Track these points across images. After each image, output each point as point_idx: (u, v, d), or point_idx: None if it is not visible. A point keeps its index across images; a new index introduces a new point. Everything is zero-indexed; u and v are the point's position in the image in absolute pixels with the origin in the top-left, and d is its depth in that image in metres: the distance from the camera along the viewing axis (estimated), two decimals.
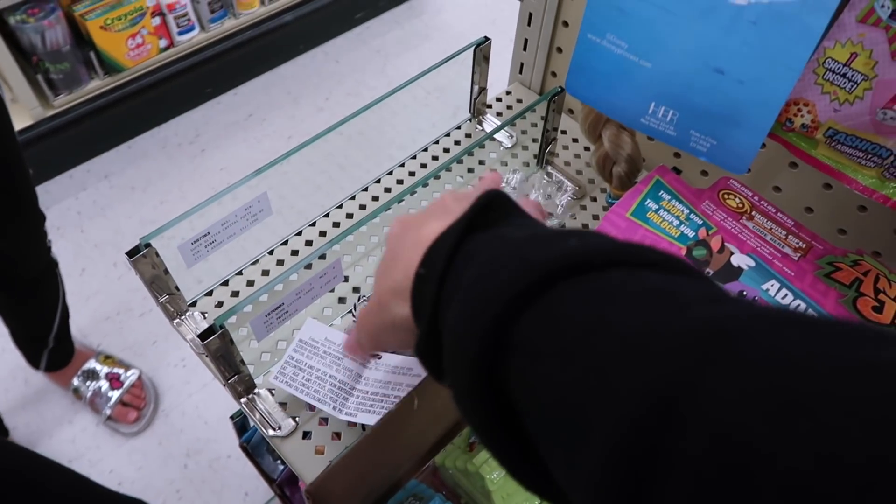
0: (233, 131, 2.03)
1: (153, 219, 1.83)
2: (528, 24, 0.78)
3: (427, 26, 2.37)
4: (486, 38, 0.73)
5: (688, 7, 0.41)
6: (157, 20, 1.84)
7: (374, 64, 2.24)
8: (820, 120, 0.47)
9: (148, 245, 0.53)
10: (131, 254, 0.53)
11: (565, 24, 0.74)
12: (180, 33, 1.91)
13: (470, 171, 0.73)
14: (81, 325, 1.59)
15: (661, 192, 0.49)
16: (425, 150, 0.77)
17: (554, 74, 0.80)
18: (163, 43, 1.89)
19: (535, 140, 0.74)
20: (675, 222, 0.46)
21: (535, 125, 0.72)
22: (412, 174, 0.75)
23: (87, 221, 1.82)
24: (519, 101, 0.83)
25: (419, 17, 2.41)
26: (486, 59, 0.75)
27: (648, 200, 0.48)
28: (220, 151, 1.99)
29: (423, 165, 0.76)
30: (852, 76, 0.44)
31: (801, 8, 0.37)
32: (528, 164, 0.75)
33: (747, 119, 0.42)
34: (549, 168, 0.74)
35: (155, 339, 1.61)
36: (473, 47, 0.73)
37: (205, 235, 0.56)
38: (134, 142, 2.00)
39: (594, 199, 0.72)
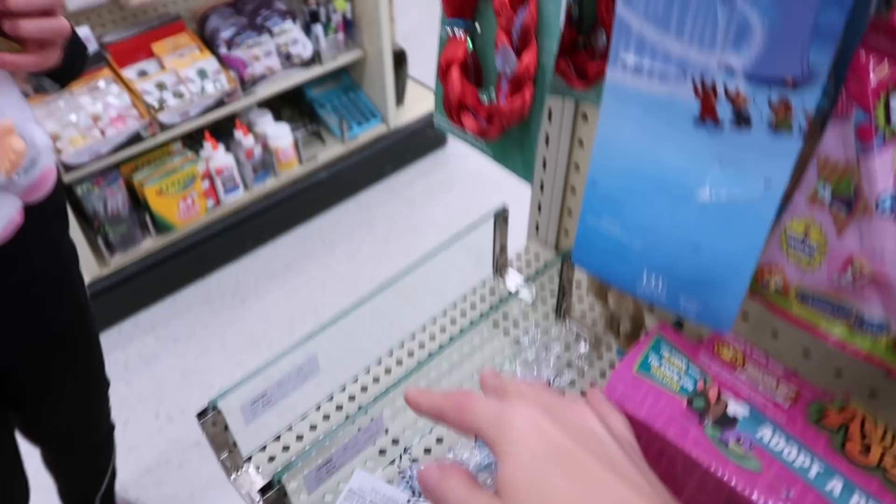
0: (271, 282, 2.17)
1: (195, 369, 1.92)
2: (542, 190, 0.89)
3: (452, 175, 2.56)
4: (505, 208, 0.83)
5: (667, 198, 0.50)
6: (206, 183, 2.03)
7: (403, 213, 2.40)
8: (790, 283, 0.54)
9: (215, 407, 0.60)
10: (201, 415, 0.60)
11: (573, 189, 0.85)
12: (226, 192, 2.10)
13: (494, 325, 0.80)
14: (123, 479, 1.64)
15: (663, 347, 0.55)
16: (454, 307, 0.86)
17: (566, 233, 0.89)
18: (210, 203, 2.07)
19: (552, 294, 0.82)
20: (676, 377, 0.53)
21: (551, 280, 0.80)
22: (443, 330, 0.83)
23: (133, 374, 1.91)
24: (536, 255, 0.92)
25: (444, 166, 2.60)
26: (506, 221, 0.85)
27: (651, 356, 0.54)
28: (259, 302, 2.11)
29: (453, 322, 0.84)
30: (810, 247, 0.52)
31: (753, 201, 0.46)
32: (547, 317, 0.82)
33: (724, 286, 0.49)
34: (567, 321, 0.82)
35: (192, 490, 1.64)
36: (494, 216, 0.83)
37: (263, 396, 0.63)
38: (179, 294, 2.13)
39: (609, 349, 0.78)
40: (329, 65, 2.17)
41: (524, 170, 0.64)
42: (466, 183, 2.51)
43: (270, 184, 2.19)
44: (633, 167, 0.51)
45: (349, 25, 2.20)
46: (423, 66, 2.39)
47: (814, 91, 0.42)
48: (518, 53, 0.57)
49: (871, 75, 0.44)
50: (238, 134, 2.06)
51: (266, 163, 2.16)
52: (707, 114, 0.46)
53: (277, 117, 2.22)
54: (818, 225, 0.52)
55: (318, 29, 2.09)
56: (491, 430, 0.35)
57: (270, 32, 2.03)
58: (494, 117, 0.60)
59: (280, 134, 2.13)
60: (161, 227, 2.00)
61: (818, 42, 0.39)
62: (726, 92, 0.45)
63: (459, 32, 0.60)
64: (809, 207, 0.52)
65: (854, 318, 0.53)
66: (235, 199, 2.12)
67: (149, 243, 2.00)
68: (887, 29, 0.43)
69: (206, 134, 2.02)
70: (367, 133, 2.36)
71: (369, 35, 2.19)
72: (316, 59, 2.13)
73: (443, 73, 0.62)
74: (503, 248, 0.88)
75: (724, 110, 0.45)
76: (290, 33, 2.06)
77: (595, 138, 0.52)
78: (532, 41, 0.57)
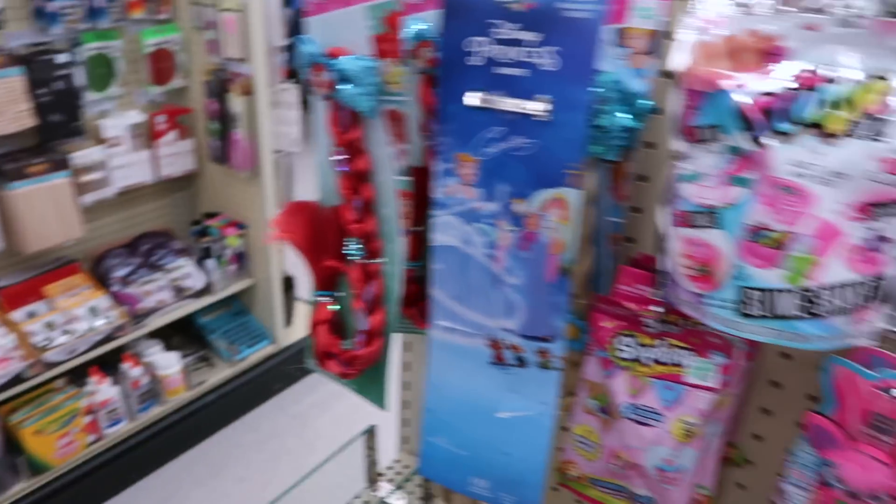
0: None
1: None
2: (407, 408, 1.05)
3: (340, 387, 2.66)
4: (372, 427, 0.98)
5: (480, 418, 0.68)
6: (88, 418, 2.03)
7: (293, 429, 2.45)
8: (583, 472, 0.72)
9: None
10: None
11: None
12: (108, 426, 2.09)
13: None
14: None
15: None
16: None
17: None
18: (90, 438, 2.05)
19: (419, 498, 0.95)
20: None
21: (420, 485, 0.94)
22: None
23: None
24: (406, 466, 1.06)
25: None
26: (373, 437, 1.00)
27: None
28: None
29: None
30: (590, 444, 0.71)
31: (537, 417, 0.65)
32: None
33: (528, 481, 0.67)
34: None
35: None
36: (362, 434, 0.98)
37: None
38: None
39: None
40: (220, 294, 2.33)
41: (380, 399, 0.80)
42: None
43: (157, 412, 2.20)
44: (455, 397, 0.69)
45: (241, 257, 2.40)
46: None
47: (561, 343, 0.63)
48: (370, 314, 0.77)
49: (603, 326, 0.67)
50: (125, 366, 2.11)
51: (153, 392, 2.20)
52: (498, 359, 0.67)
53: (167, 346, 2.30)
54: (592, 428, 0.72)
55: (210, 263, 2.27)
56: None
57: (164, 270, 2.18)
58: (354, 362, 0.77)
59: (169, 363, 2.20)
60: (36, 467, 1.94)
61: (557, 315, 0.61)
62: (509, 344, 0.66)
63: (325, 299, 0.80)
64: (585, 416, 0.72)
65: (631, 495, 0.71)
66: (119, 431, 2.11)
67: (21, 486, 1.92)
68: (610, 302, 0.66)
69: (93, 368, 2.06)
70: (257, 354, 2.48)
71: (260, 264, 2.40)
72: (207, 289, 2.29)
73: (312, 330, 0.80)
74: (373, 462, 1.01)
75: (509, 356, 0.66)
76: (184, 268, 2.23)
77: (426, 377, 0.71)
78: (380, 305, 0.77)
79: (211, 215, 2.34)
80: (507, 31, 0.52)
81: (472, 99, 0.55)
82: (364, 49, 0.64)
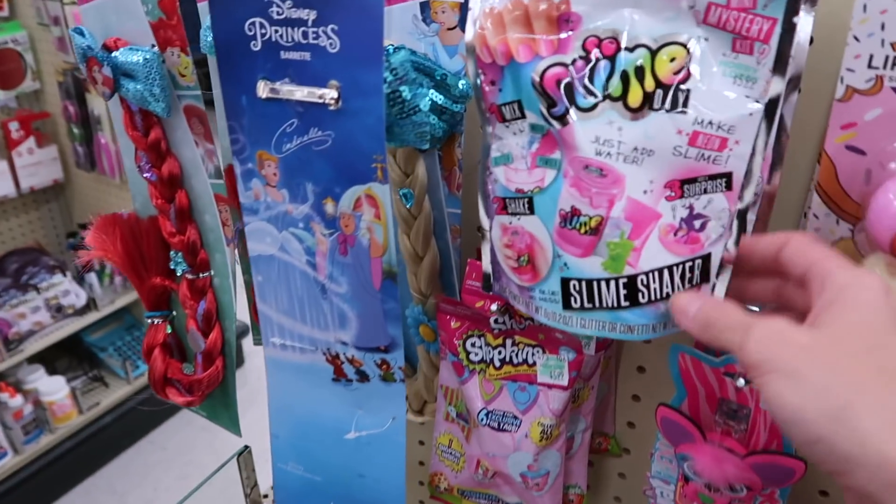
0: None
1: None
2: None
3: (252, 392, 2.55)
4: (246, 447, 0.91)
5: (331, 440, 0.62)
6: None
7: (201, 441, 2.33)
8: (451, 483, 0.67)
9: None
10: None
11: None
12: None
13: None
14: None
15: None
16: None
17: None
18: None
19: None
20: None
21: None
22: None
23: None
24: None
25: (244, 385, 2.59)
26: (249, 457, 0.92)
27: None
28: None
29: None
30: (454, 454, 0.66)
31: (389, 433, 0.59)
32: None
33: (388, 501, 0.61)
34: None
35: None
36: (235, 456, 0.90)
37: None
38: None
39: None
40: (106, 309, 2.17)
41: (231, 425, 0.73)
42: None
43: (46, 441, 2.04)
44: (301, 419, 0.63)
45: None
46: None
47: (400, 352, 0.57)
48: (206, 334, 0.69)
49: (452, 328, 0.62)
50: (3, 396, 1.94)
51: (39, 420, 2.03)
52: (339, 374, 0.60)
53: (52, 369, 2.13)
54: (455, 437, 0.66)
55: (91, 277, 2.11)
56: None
57: (37, 289, 2.01)
58: (195, 387, 0.69)
59: (54, 388, 2.04)
60: None
61: (391, 322, 0.55)
62: (347, 358, 0.59)
63: (158, 320, 0.71)
64: (447, 424, 0.67)
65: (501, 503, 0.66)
66: (4, 466, 1.94)
67: None
68: (453, 302, 0.60)
69: None
70: None
71: None
72: (91, 305, 2.13)
73: (146, 355, 0.71)
74: (254, 484, 0.94)
75: (349, 371, 0.59)
76: (61, 286, 2.06)
77: (268, 401, 0.64)
78: (216, 322, 0.69)
79: (86, 226, 2.17)
80: (284, 8, 0.45)
81: (259, 90, 0.48)
82: (146, 38, 0.55)
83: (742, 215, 0.41)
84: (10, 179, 1.97)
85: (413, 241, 0.61)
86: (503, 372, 0.59)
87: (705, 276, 0.42)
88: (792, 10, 0.37)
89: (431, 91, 0.48)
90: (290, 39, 0.46)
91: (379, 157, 0.47)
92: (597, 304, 0.42)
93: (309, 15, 0.45)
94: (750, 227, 0.41)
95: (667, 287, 0.41)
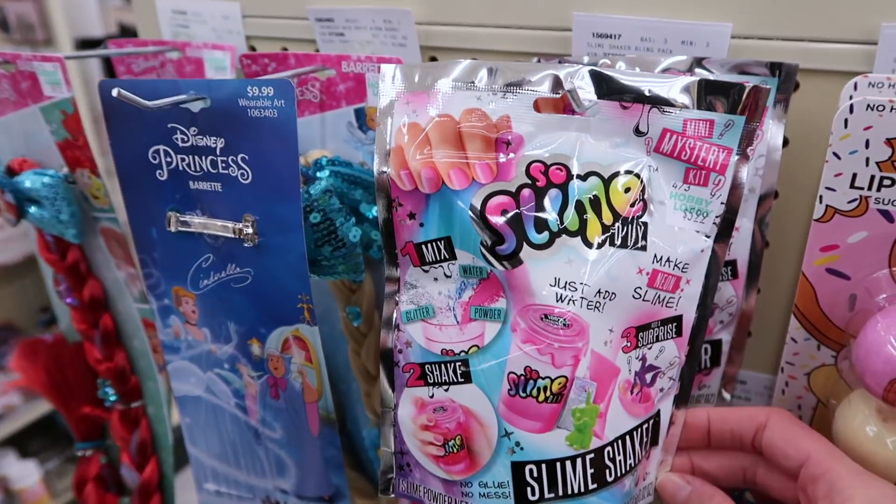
0: None
1: None
2: None
3: None
4: None
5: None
6: None
7: None
8: None
9: None
10: None
11: None
12: None
13: None
14: None
15: None
16: None
17: None
18: None
19: None
20: None
21: None
22: None
23: None
24: None
25: None
26: None
27: None
28: None
29: None
30: None
31: None
32: None
33: None
34: None
35: None
36: None
37: None
38: None
39: None
40: None
41: None
42: None
43: None
44: None
45: None
46: None
47: (346, 502, 0.50)
48: (141, 468, 0.62)
49: None
50: None
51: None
52: None
53: (24, 452, 2.03)
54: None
55: None
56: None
57: (7, 369, 1.93)
58: None
59: (24, 473, 1.94)
60: None
61: (332, 471, 0.48)
62: None
63: (90, 452, 0.64)
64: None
65: None
66: None
67: None
68: None
69: None
70: None
71: None
72: None
73: (76, 491, 0.64)
74: None
75: None
76: None
77: None
78: (151, 455, 0.62)
79: None
80: (189, 135, 0.39)
81: (170, 223, 0.42)
82: (55, 159, 0.50)
83: (690, 369, 0.35)
84: None
85: (365, 360, 0.55)
86: None
87: (654, 440, 0.36)
88: (747, 140, 0.32)
89: (359, 225, 0.42)
90: (198, 169, 0.40)
91: (304, 296, 0.41)
92: (560, 493, 0.35)
93: (216, 143, 0.39)
94: (725, 349, 0.35)
95: (630, 458, 0.35)
